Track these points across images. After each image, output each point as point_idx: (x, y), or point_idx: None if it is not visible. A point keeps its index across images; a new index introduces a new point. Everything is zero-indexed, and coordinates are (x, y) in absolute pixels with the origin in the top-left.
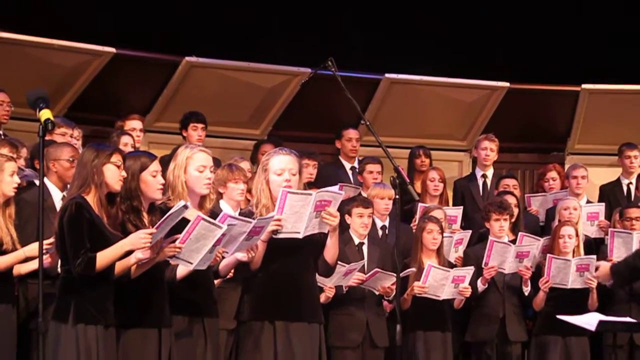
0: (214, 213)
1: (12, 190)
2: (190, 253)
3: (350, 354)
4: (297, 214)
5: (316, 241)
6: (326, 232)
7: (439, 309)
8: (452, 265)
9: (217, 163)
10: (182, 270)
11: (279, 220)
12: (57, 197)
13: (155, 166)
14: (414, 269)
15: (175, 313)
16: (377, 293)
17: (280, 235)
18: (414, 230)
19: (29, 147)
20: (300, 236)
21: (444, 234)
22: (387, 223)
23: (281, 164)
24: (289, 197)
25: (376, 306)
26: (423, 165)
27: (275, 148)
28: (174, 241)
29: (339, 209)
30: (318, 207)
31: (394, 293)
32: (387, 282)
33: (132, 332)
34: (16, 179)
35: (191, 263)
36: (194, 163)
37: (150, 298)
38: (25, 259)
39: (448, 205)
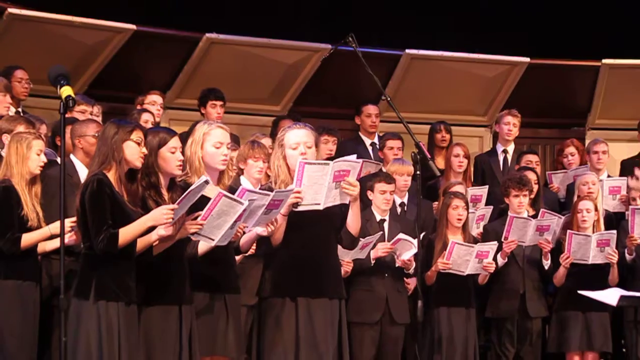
0: (232, 189)
1: (38, 169)
2: (212, 229)
3: (368, 330)
4: (316, 184)
5: (336, 215)
6: (347, 202)
7: (463, 285)
8: (476, 241)
9: (236, 140)
10: (203, 247)
11: (298, 192)
12: (83, 173)
13: (174, 142)
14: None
15: (196, 289)
16: (397, 264)
17: (301, 208)
18: (434, 208)
19: (49, 124)
20: (320, 207)
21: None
22: (405, 199)
23: (296, 137)
24: (306, 168)
25: (396, 282)
26: (444, 141)
27: (290, 123)
28: (195, 218)
29: (360, 185)
30: (337, 178)
31: (413, 265)
32: (407, 253)
33: (153, 309)
34: (43, 158)
35: (213, 239)
36: (211, 139)
37: (171, 275)
38: (51, 236)
39: (471, 181)
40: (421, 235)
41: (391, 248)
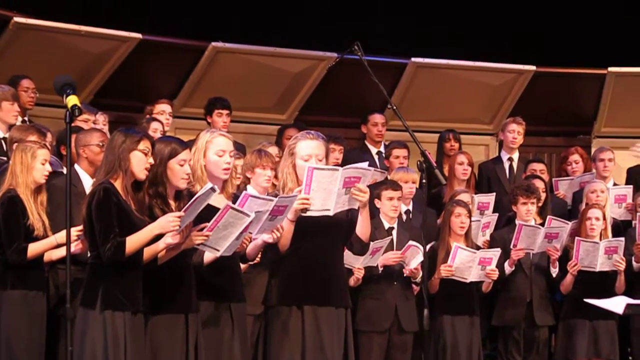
0: (237, 196)
1: (43, 178)
2: (218, 240)
3: (377, 338)
4: (326, 190)
5: (344, 224)
6: (356, 208)
7: (467, 293)
8: (479, 249)
9: (241, 148)
10: (209, 256)
11: (306, 198)
12: (88, 183)
13: (184, 155)
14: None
15: (202, 298)
16: (405, 274)
17: (310, 214)
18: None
19: (54, 133)
20: (331, 213)
21: (472, 218)
22: (410, 207)
23: (308, 149)
24: (315, 174)
25: (405, 290)
26: (452, 149)
27: (303, 131)
28: (201, 229)
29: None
30: (347, 184)
31: (420, 274)
32: (414, 261)
33: (159, 318)
34: (47, 167)
35: (218, 250)
36: (214, 147)
37: (177, 284)
38: (57, 245)
39: (474, 189)
40: (428, 246)
41: (401, 257)
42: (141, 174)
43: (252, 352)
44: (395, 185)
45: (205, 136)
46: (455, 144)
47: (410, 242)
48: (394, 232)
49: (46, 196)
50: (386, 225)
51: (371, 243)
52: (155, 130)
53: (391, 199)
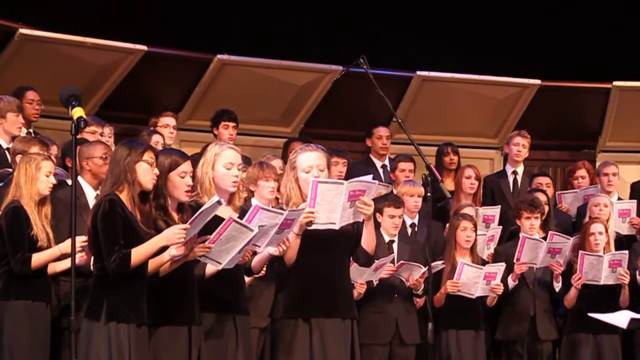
0: (244, 210)
1: (48, 190)
2: (220, 253)
3: (378, 351)
4: (331, 204)
5: (350, 237)
6: (361, 221)
7: (472, 307)
8: (484, 263)
9: (247, 161)
10: (210, 268)
11: (311, 212)
12: (91, 195)
13: (185, 167)
14: (439, 262)
15: (205, 311)
16: (407, 285)
17: (316, 227)
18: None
19: (59, 145)
20: (336, 227)
21: (478, 232)
22: (416, 220)
23: (309, 161)
24: (320, 187)
25: (406, 303)
26: (452, 163)
27: (302, 144)
28: (204, 241)
29: None
30: (352, 197)
31: (422, 287)
32: (415, 274)
33: (162, 330)
34: (52, 179)
35: (220, 263)
36: (222, 160)
37: (180, 296)
38: (61, 255)
39: (480, 203)
40: (437, 263)
41: (395, 270)
42: (149, 183)
43: None
44: (397, 203)
45: (214, 149)
46: (455, 158)
47: (402, 262)
48: (395, 246)
49: (50, 209)
50: (387, 239)
51: (376, 261)
52: (156, 143)
53: (392, 217)
